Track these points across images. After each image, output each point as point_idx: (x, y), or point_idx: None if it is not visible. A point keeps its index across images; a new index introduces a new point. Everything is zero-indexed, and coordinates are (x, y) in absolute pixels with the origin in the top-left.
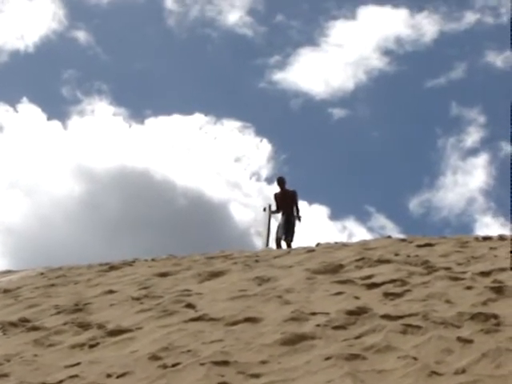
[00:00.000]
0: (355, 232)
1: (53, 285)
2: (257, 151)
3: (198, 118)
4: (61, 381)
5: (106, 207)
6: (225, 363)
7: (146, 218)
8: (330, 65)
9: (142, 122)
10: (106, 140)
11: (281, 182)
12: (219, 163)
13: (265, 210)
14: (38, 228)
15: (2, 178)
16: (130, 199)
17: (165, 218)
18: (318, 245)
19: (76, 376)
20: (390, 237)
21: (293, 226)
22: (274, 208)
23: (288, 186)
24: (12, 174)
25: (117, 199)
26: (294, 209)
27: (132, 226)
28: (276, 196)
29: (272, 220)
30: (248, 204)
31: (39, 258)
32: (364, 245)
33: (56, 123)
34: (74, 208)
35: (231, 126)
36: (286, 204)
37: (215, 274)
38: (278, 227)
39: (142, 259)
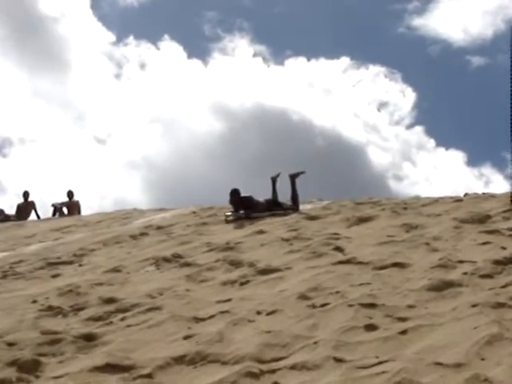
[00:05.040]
0: (492, 179)
1: (205, 223)
2: (402, 99)
3: (343, 62)
4: (212, 315)
5: (244, 146)
6: (372, 306)
7: (283, 157)
8: (468, 12)
9: (281, 62)
10: (245, 79)
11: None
12: (359, 106)
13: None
14: (177, 164)
15: (144, 113)
16: (268, 138)
17: (303, 158)
18: (465, 195)
19: (227, 312)
20: None
21: None
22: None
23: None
24: (153, 109)
25: (255, 138)
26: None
27: (269, 165)
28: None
29: None
30: (386, 148)
31: (178, 194)
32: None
33: (196, 61)
34: (213, 145)
35: (376, 70)
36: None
37: (363, 219)
38: None
39: None
